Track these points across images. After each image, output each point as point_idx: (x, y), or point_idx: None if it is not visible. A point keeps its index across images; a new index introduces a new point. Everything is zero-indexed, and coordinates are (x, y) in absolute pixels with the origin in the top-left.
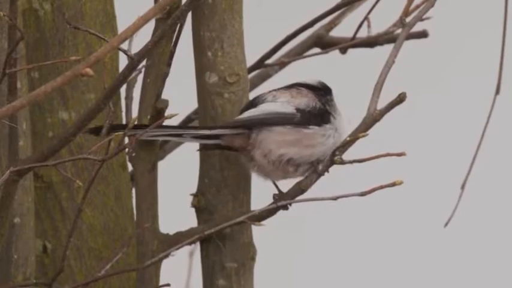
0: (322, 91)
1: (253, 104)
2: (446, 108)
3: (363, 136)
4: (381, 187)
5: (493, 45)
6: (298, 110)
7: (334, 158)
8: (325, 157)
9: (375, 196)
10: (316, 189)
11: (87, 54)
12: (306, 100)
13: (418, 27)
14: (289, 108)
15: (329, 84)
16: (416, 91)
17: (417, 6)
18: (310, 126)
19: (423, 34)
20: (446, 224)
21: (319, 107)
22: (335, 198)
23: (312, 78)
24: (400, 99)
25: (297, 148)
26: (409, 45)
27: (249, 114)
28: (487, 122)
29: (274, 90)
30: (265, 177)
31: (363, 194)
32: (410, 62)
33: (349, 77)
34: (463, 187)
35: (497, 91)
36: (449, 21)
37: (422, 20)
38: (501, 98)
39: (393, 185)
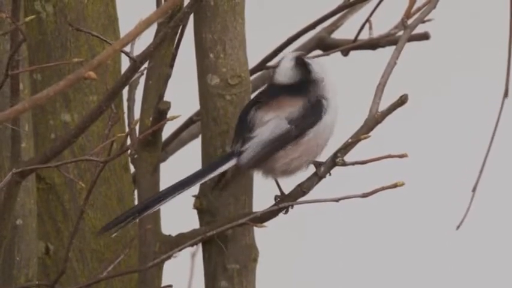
0: (298, 84)
1: (242, 126)
2: (447, 109)
3: (365, 138)
4: (383, 188)
5: (494, 47)
6: (291, 121)
7: (336, 159)
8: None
9: (377, 198)
10: (317, 191)
11: (90, 56)
12: (292, 107)
13: (419, 29)
14: (283, 125)
15: (304, 58)
16: (418, 93)
17: (419, 9)
18: (308, 132)
19: (425, 36)
20: (458, 227)
21: (308, 105)
22: (337, 200)
23: (282, 69)
24: (402, 101)
25: (305, 155)
26: (410, 47)
27: (249, 154)
28: (496, 125)
29: (255, 107)
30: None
31: (364, 196)
32: (412, 64)
33: (351, 79)
34: (474, 190)
35: (506, 94)
36: (451, 23)
37: (423, 22)
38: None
39: (395, 186)
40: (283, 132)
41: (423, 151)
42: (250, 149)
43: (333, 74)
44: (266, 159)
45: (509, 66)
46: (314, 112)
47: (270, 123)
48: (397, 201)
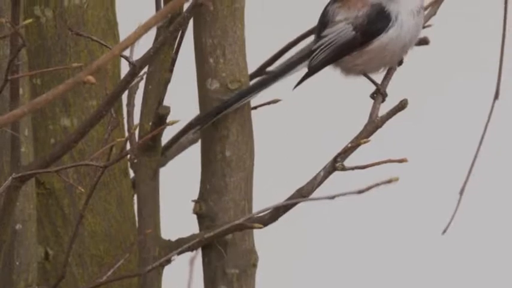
0: None
1: (322, 19)
2: (446, 113)
3: (365, 142)
4: (377, 185)
5: (494, 52)
6: (355, 28)
7: (336, 164)
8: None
9: (375, 201)
10: (316, 194)
11: (89, 61)
12: (360, 10)
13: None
14: (348, 32)
15: None
16: (417, 97)
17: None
18: (373, 41)
19: (424, 41)
20: (444, 232)
21: (374, 12)
22: (332, 197)
23: None
24: (402, 105)
25: (376, 61)
26: (410, 52)
27: (317, 58)
28: (486, 127)
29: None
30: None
31: (360, 192)
32: (411, 69)
33: (350, 83)
34: (461, 192)
35: (496, 96)
36: (450, 28)
37: (424, 27)
38: (500, 103)
39: (389, 181)
40: (348, 39)
41: (423, 154)
42: (319, 50)
43: (332, 79)
44: (332, 62)
45: (501, 68)
46: (380, 20)
47: (338, 27)
48: (395, 204)
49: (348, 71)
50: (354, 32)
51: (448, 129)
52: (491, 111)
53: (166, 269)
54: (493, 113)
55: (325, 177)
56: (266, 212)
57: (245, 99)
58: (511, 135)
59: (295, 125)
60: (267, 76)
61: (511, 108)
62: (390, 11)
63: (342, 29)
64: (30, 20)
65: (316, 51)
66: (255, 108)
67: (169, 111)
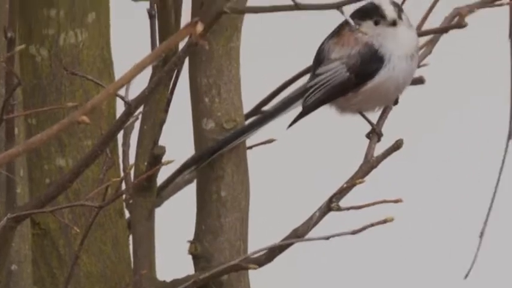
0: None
1: (318, 55)
2: (442, 153)
3: (360, 183)
4: (372, 225)
5: (489, 91)
6: (349, 68)
7: (331, 205)
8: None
9: (371, 241)
10: (311, 234)
11: (84, 101)
12: (353, 46)
13: (415, 74)
14: (343, 72)
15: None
16: (413, 136)
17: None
18: (367, 83)
19: (420, 81)
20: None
21: (368, 52)
22: (327, 238)
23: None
24: (397, 145)
25: (371, 101)
26: (406, 91)
27: (311, 98)
28: (502, 168)
29: (333, 33)
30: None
31: (354, 233)
32: (407, 108)
33: (346, 123)
34: (481, 236)
35: (510, 136)
36: (446, 68)
37: (419, 67)
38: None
39: (384, 222)
40: (342, 81)
41: (418, 194)
42: (313, 89)
43: (327, 118)
44: (327, 103)
45: None
46: (374, 62)
47: (332, 66)
48: (396, 246)
49: (343, 109)
50: (348, 74)
51: (443, 169)
52: (505, 153)
53: None
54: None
55: (321, 217)
56: (262, 253)
57: (240, 138)
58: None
59: (291, 165)
60: (262, 115)
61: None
62: (383, 53)
63: (336, 69)
64: (22, 46)
65: (310, 91)
66: (250, 148)
67: (164, 151)
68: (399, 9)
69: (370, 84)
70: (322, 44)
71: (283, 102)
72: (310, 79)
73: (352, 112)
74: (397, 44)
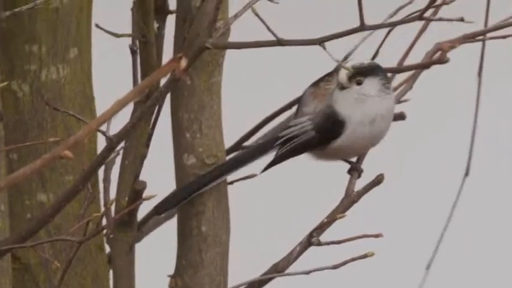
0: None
1: (298, 104)
2: (422, 188)
3: (341, 217)
4: (353, 259)
5: (468, 127)
6: (314, 127)
7: (312, 239)
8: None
9: (351, 275)
10: (291, 269)
11: (66, 136)
12: (318, 104)
13: (396, 109)
14: (309, 130)
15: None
16: (394, 171)
17: (394, 89)
18: (332, 142)
19: (401, 116)
20: None
21: (327, 112)
22: (308, 273)
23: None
24: (378, 180)
25: (340, 156)
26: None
27: (281, 151)
28: (456, 201)
29: (316, 81)
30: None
31: (335, 267)
32: (388, 143)
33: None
34: (428, 267)
35: (467, 173)
36: (426, 103)
37: (400, 102)
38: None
39: (365, 257)
40: (308, 139)
41: (399, 229)
42: (283, 140)
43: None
44: (296, 156)
45: (472, 144)
46: (336, 124)
47: (302, 120)
48: (376, 280)
49: (317, 159)
50: (313, 132)
51: (423, 204)
52: (460, 189)
53: None
54: (464, 189)
55: (301, 252)
56: (242, 287)
57: (221, 178)
58: (479, 212)
59: (271, 200)
60: (242, 154)
61: (481, 185)
62: (343, 116)
63: (304, 124)
64: (5, 84)
65: (281, 140)
66: (231, 183)
67: (145, 186)
68: (362, 73)
69: (335, 144)
70: (306, 89)
71: (259, 145)
72: (284, 128)
73: (326, 161)
74: (355, 109)
